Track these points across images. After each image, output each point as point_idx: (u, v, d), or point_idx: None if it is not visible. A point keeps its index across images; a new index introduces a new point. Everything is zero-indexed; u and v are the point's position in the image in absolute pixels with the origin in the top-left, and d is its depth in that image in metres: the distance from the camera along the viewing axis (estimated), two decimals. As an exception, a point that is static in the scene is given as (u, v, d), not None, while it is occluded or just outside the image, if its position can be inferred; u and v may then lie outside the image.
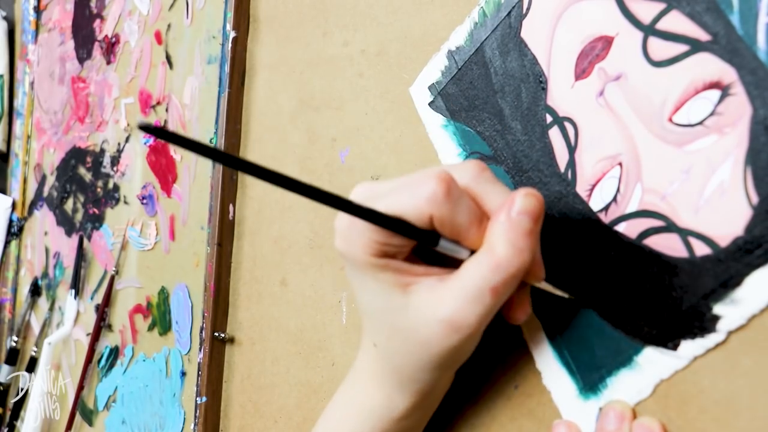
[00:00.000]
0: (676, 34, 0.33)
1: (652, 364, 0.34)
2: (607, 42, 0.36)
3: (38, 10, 0.94)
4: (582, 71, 0.37)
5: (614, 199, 0.36)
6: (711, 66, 0.32)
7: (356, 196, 0.35)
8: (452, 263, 0.35)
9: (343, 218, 0.35)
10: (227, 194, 0.59)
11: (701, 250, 0.32)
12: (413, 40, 0.47)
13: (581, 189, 0.37)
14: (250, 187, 0.59)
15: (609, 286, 0.36)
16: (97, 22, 0.81)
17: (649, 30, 0.34)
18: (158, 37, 0.70)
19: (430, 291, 0.34)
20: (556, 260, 0.38)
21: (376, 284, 0.35)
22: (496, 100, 0.41)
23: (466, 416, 0.41)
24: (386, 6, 0.49)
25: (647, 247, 0.34)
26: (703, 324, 0.32)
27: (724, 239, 0.32)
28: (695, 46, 0.33)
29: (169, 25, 0.69)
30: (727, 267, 0.31)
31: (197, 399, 0.56)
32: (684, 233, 0.33)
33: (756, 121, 0.30)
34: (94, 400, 0.70)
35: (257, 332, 0.56)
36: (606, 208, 0.36)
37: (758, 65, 0.30)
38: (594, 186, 0.37)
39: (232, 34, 0.59)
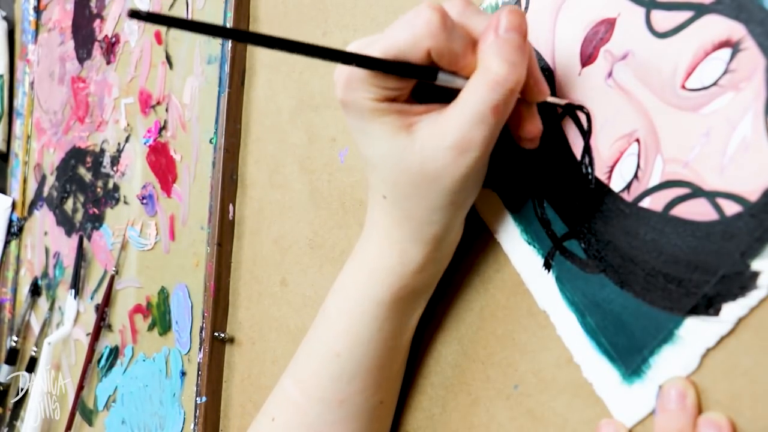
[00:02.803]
0: (679, 2, 0.33)
1: (696, 335, 0.33)
2: (609, 24, 0.36)
3: (38, 10, 0.94)
4: (588, 57, 0.37)
5: (635, 175, 0.35)
6: (718, 26, 0.32)
7: (352, 48, 0.36)
8: (450, 100, 0.36)
9: (342, 69, 0.36)
10: (227, 194, 0.59)
11: (731, 209, 0.32)
12: (413, 40, 0.47)
13: (600, 172, 0.37)
14: (250, 187, 0.59)
15: (641, 263, 0.35)
16: (97, 22, 0.81)
17: (651, 4, 0.34)
18: (158, 37, 0.70)
19: (433, 124, 0.35)
20: (584, 244, 0.38)
21: (381, 128, 0.36)
22: None
23: (465, 416, 0.41)
24: (386, 6, 0.49)
25: (675, 217, 0.34)
26: (743, 283, 0.31)
27: (753, 193, 0.31)
28: (700, 10, 0.33)
29: (169, 25, 0.69)
30: (760, 221, 0.31)
31: (197, 399, 0.56)
32: (711, 195, 0.32)
33: None
34: (94, 400, 0.70)
35: (257, 332, 0.56)
36: (628, 186, 0.36)
37: (766, 16, 0.30)
38: (613, 167, 0.36)
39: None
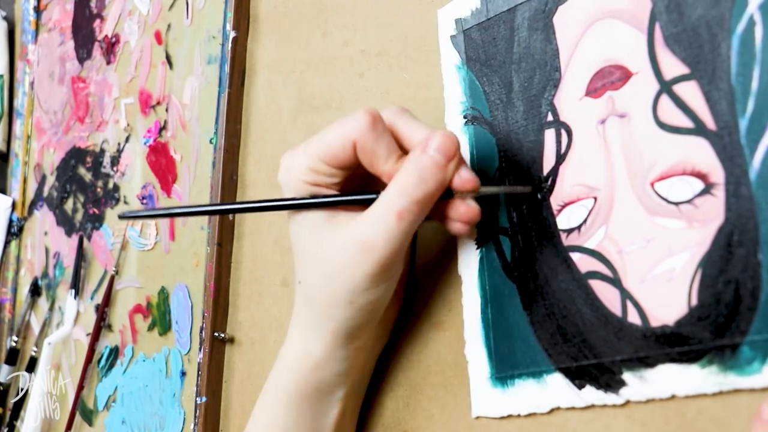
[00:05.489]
0: (687, 106, 0.33)
1: (557, 390, 0.36)
2: (625, 74, 0.35)
3: (38, 10, 0.94)
4: (594, 90, 0.37)
5: (579, 227, 0.36)
6: (705, 156, 0.32)
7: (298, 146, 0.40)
8: None
9: (286, 154, 0.39)
10: (227, 194, 0.59)
11: (633, 317, 0.33)
12: (413, 40, 0.47)
13: (554, 201, 0.38)
14: (250, 187, 0.59)
15: (547, 300, 0.37)
16: (97, 22, 0.81)
17: (666, 87, 0.34)
18: (158, 37, 0.70)
19: (350, 219, 0.38)
20: (514, 250, 0.39)
21: (306, 215, 0.39)
22: (510, 71, 0.40)
23: (465, 416, 0.41)
24: (386, 6, 0.49)
25: (589, 288, 0.35)
26: (610, 382, 0.34)
27: (655, 320, 0.33)
28: (699, 129, 0.32)
29: (169, 25, 0.69)
30: (648, 346, 0.32)
31: (197, 399, 0.56)
32: (624, 294, 0.34)
33: (723, 232, 0.31)
34: (94, 400, 0.70)
35: (257, 332, 0.56)
36: (569, 231, 0.37)
37: (745, 183, 0.30)
38: (566, 205, 0.37)
39: (232, 34, 0.59)
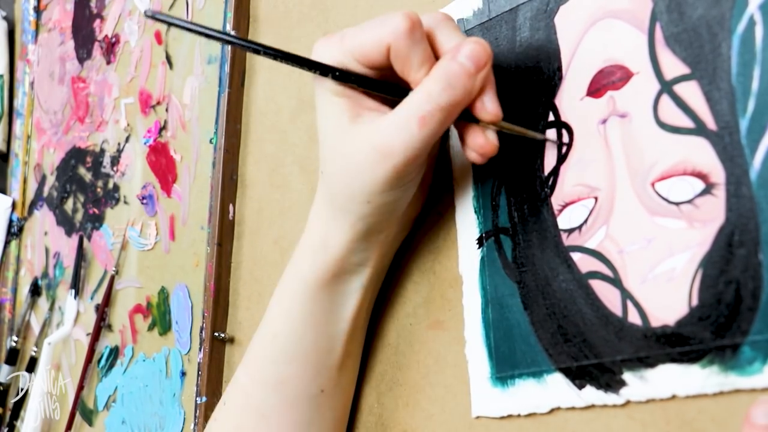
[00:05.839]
0: (688, 106, 0.33)
1: (557, 390, 0.36)
2: (626, 74, 0.35)
3: (38, 10, 0.94)
4: (595, 90, 0.36)
5: (579, 227, 0.36)
6: (706, 156, 0.32)
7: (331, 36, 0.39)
8: None
9: (320, 42, 0.38)
10: (227, 194, 0.59)
11: (633, 317, 0.33)
12: (413, 40, 0.47)
13: (555, 201, 0.37)
14: (250, 187, 0.59)
15: (548, 300, 0.37)
16: (97, 22, 0.81)
17: (666, 87, 0.34)
18: (158, 37, 0.70)
19: (372, 121, 0.37)
20: (515, 249, 0.39)
21: (331, 108, 0.38)
22: (512, 71, 0.40)
23: (464, 416, 0.41)
24: (386, 6, 0.49)
25: (590, 287, 0.35)
26: (610, 382, 0.34)
27: (655, 320, 0.32)
28: (699, 129, 0.32)
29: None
30: (648, 346, 0.32)
31: (197, 399, 0.56)
32: (625, 294, 0.34)
33: (723, 232, 0.31)
34: (94, 400, 0.70)
35: (257, 332, 0.56)
36: (570, 231, 0.37)
37: (746, 183, 0.30)
38: (567, 205, 0.37)
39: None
